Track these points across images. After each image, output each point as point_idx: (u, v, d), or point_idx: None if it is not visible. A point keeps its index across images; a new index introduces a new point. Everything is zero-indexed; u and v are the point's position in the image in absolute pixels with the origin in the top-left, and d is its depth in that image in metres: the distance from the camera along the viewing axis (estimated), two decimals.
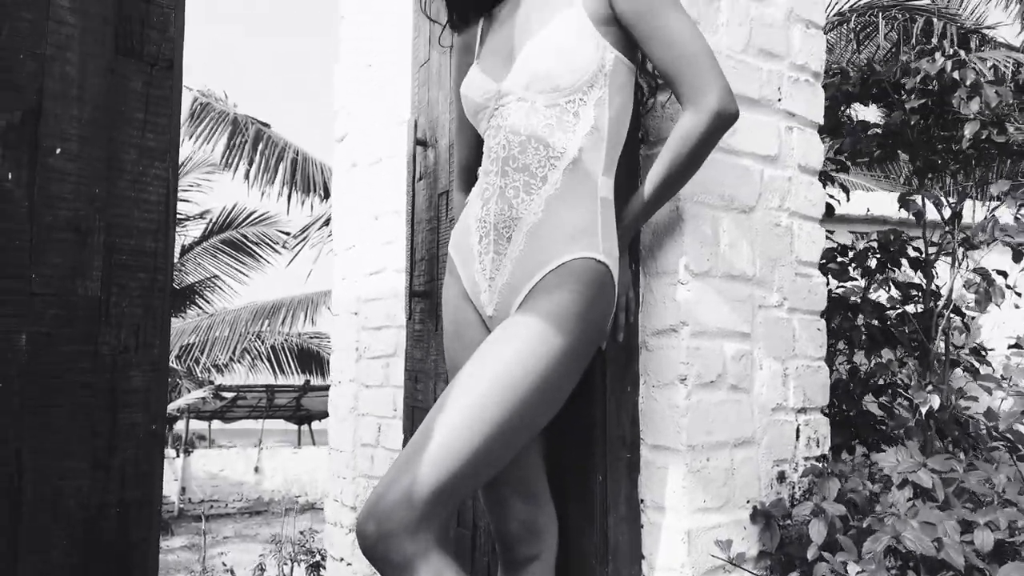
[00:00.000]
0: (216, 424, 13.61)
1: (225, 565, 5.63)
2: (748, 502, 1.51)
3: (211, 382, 11.13)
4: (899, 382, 2.24)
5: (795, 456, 1.61)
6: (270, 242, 12.69)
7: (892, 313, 2.27)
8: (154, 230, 1.06)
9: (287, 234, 11.98)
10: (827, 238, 2.23)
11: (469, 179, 1.53)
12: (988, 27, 10.06)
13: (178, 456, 9.24)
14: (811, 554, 1.37)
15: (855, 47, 10.33)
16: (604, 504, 1.40)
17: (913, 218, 2.15)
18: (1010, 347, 3.14)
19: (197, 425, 13.08)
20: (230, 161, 8.91)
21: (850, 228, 4.27)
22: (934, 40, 9.31)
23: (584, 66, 1.25)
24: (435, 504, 1.08)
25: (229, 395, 10.66)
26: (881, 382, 2.21)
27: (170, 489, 9.01)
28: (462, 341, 1.38)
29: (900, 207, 2.13)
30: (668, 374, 1.44)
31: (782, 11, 1.67)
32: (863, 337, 2.09)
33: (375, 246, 2.93)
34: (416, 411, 2.08)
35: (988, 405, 2.79)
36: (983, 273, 2.11)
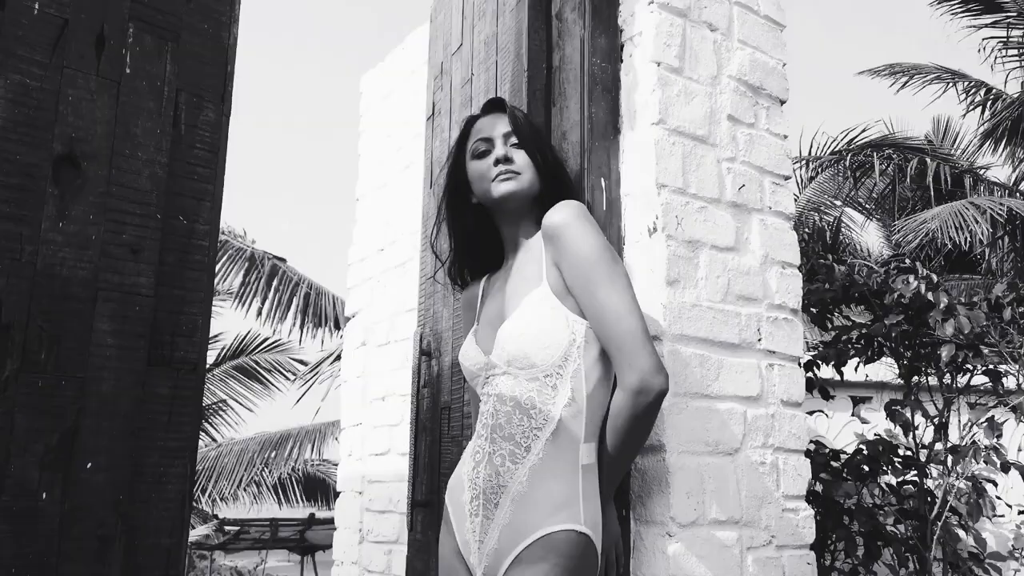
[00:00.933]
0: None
1: None
2: None
3: (215, 515, 10.97)
4: None
5: None
6: (282, 369, 12.80)
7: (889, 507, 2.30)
8: (169, 528, 1.15)
9: (301, 363, 12.10)
10: (817, 437, 2.29)
11: None
12: (981, 167, 10.42)
13: None
14: None
15: (852, 185, 10.68)
16: None
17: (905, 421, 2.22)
18: (1021, 512, 3.13)
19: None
20: (244, 298, 9.15)
21: (851, 392, 4.32)
22: (929, 179, 9.64)
23: (555, 343, 1.35)
24: None
25: (233, 528, 10.48)
26: None
27: None
28: None
29: (887, 417, 2.20)
30: None
31: (757, 258, 1.81)
32: (858, 548, 2.12)
33: (381, 427, 3.01)
34: None
35: None
36: (973, 482, 2.16)
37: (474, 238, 1.64)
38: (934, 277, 2.10)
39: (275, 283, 9.36)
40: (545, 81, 1.80)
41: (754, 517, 1.65)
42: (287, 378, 12.50)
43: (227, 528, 10.40)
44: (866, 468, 2.27)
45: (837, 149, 10.49)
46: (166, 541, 1.14)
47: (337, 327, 9.71)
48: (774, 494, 1.71)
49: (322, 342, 9.50)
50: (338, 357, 9.07)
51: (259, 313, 9.09)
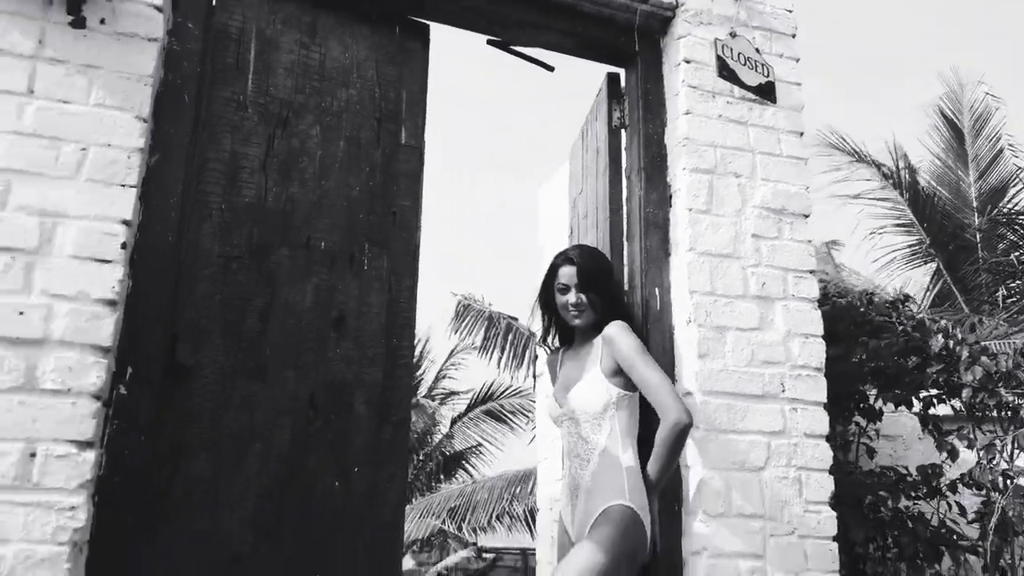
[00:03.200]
0: None
1: None
2: None
3: (474, 543, 12.51)
4: None
5: None
6: (524, 411, 14.31)
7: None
8: (391, 518, 2.18)
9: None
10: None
11: None
12: None
13: None
14: None
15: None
16: None
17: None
18: None
19: None
20: (486, 350, 10.66)
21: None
22: None
23: (600, 403, 2.23)
24: None
25: (489, 556, 11.90)
26: None
27: None
28: (563, 552, 2.35)
29: (936, 446, 2.74)
30: None
31: (780, 333, 2.52)
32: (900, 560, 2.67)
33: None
34: None
35: None
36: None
37: (556, 324, 2.56)
38: (959, 334, 2.61)
39: (510, 338, 10.74)
40: (622, 224, 2.70)
41: (777, 515, 2.36)
42: (528, 419, 13.94)
43: (484, 556, 11.83)
44: (924, 488, 2.80)
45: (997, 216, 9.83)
46: (389, 516, 2.18)
47: None
48: (796, 500, 2.39)
49: None
50: None
51: (499, 363, 10.52)
